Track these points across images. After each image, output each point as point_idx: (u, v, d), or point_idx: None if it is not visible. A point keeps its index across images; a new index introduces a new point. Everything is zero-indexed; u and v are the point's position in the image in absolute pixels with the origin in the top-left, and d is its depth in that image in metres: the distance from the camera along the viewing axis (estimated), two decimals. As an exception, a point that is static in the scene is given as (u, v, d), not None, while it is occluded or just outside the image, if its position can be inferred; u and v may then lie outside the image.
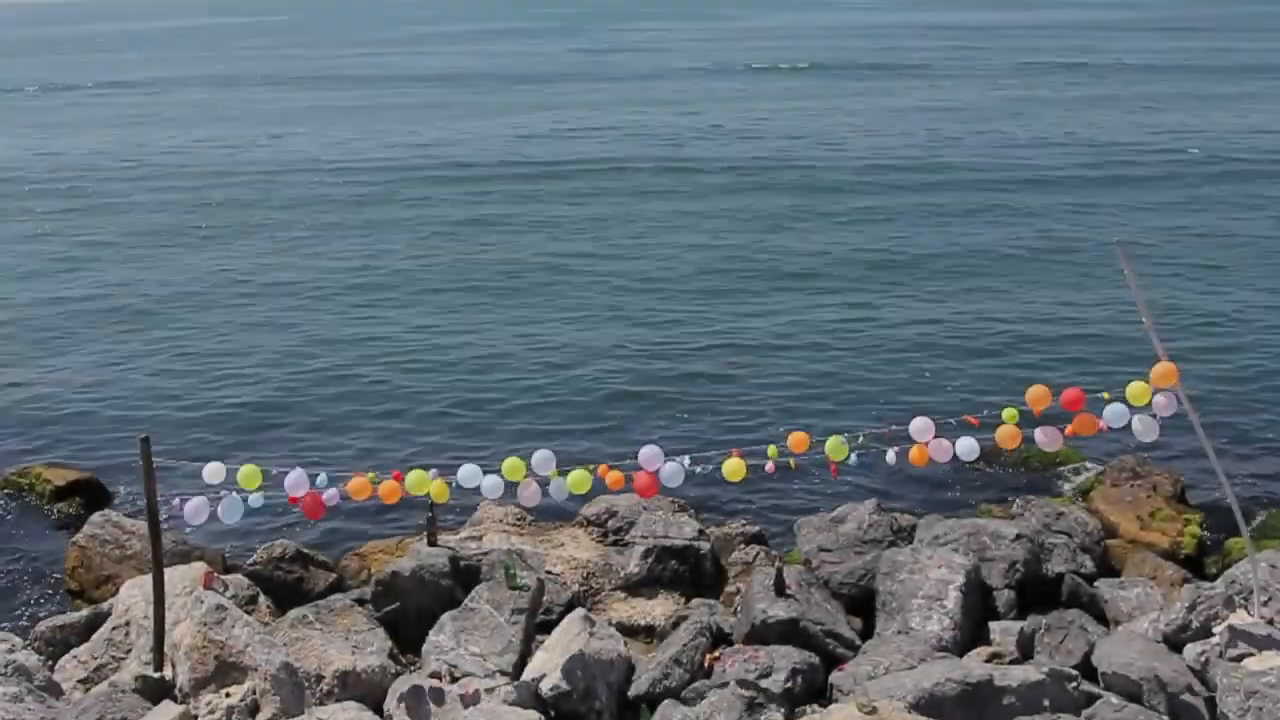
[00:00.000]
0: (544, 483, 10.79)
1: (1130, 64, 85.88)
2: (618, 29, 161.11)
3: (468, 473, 10.76)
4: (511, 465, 10.71)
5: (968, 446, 10.80)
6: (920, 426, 10.80)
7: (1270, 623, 10.82)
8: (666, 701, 10.99)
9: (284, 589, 14.04)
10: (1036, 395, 10.59)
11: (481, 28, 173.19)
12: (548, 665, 11.40)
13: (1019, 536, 13.70)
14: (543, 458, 10.77)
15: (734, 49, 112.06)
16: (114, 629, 12.29)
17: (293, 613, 12.55)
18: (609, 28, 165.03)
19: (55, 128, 59.15)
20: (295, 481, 10.82)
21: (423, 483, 10.80)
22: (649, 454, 10.84)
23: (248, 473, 10.73)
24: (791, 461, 11.05)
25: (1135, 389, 10.37)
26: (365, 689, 11.39)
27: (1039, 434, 10.59)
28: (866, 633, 12.62)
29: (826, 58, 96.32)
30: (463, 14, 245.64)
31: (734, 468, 10.77)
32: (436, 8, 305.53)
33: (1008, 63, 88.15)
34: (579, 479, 10.79)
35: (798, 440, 10.74)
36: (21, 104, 71.63)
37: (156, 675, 11.23)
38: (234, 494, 10.78)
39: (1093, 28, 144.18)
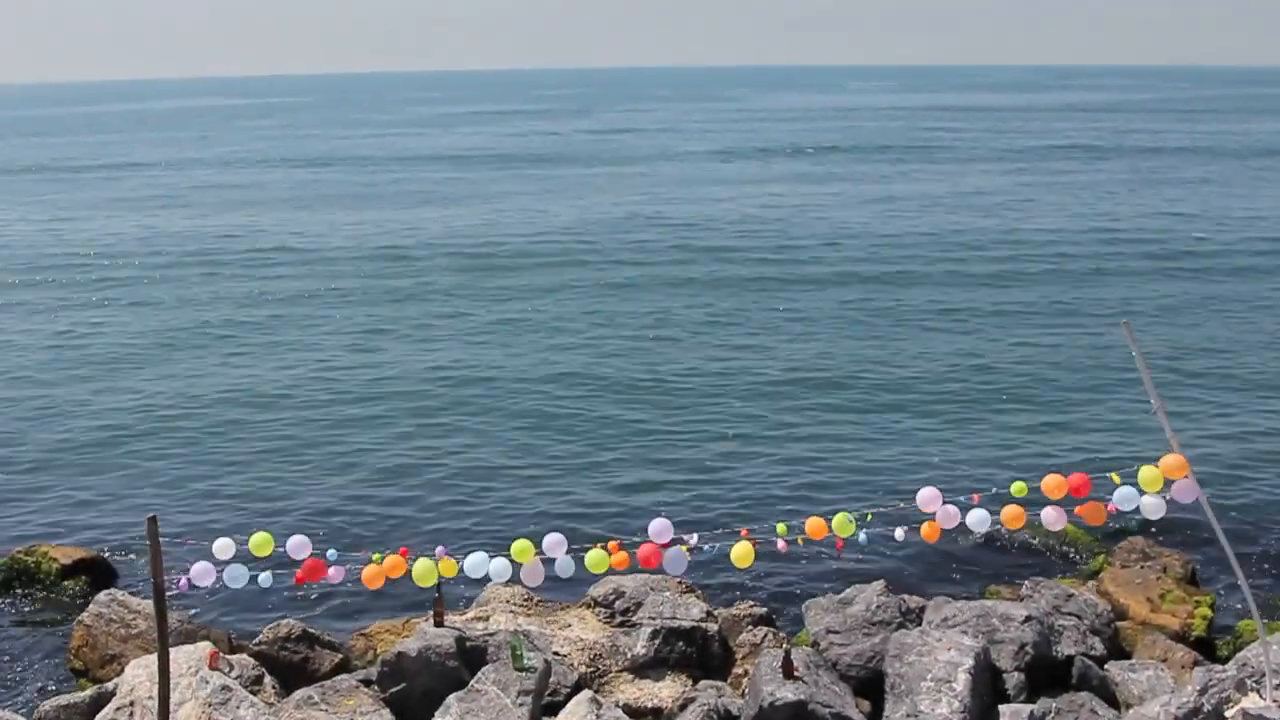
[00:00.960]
0: (553, 562, 10.78)
1: (1137, 147, 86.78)
2: (629, 110, 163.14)
3: (475, 561, 10.75)
4: (520, 547, 10.69)
5: (978, 518, 10.79)
6: (927, 496, 10.81)
7: (1282, 706, 10.72)
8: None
9: (290, 669, 13.95)
10: (1052, 485, 10.59)
11: (494, 109, 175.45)
12: (554, 748, 11.30)
13: (1029, 619, 13.61)
14: (554, 540, 10.77)
15: (742, 131, 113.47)
16: (118, 709, 12.21)
17: (298, 693, 12.45)
18: (619, 109, 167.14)
19: (65, 208, 59.77)
20: (297, 544, 10.84)
21: (429, 573, 10.78)
22: (659, 526, 10.85)
23: (259, 540, 10.75)
24: (800, 538, 11.03)
25: (1146, 475, 10.37)
26: (370, 771, 11.28)
27: (1045, 513, 10.60)
28: (875, 716, 12.50)
29: (832, 140, 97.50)
30: (473, 97, 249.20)
31: (743, 553, 10.75)
32: (447, 89, 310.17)
33: (1012, 145, 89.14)
34: (597, 559, 10.75)
35: (814, 527, 10.75)
36: (32, 184, 72.40)
37: (160, 756, 11.13)
38: (241, 566, 10.80)
39: (1098, 110, 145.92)
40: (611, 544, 10.88)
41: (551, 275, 38.76)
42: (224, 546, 10.86)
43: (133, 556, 17.55)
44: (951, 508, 10.74)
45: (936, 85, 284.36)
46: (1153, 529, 16.77)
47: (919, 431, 22.75)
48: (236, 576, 10.77)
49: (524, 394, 25.55)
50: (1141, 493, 10.38)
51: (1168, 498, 10.35)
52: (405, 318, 33.16)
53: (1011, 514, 10.67)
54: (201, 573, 10.75)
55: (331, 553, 10.97)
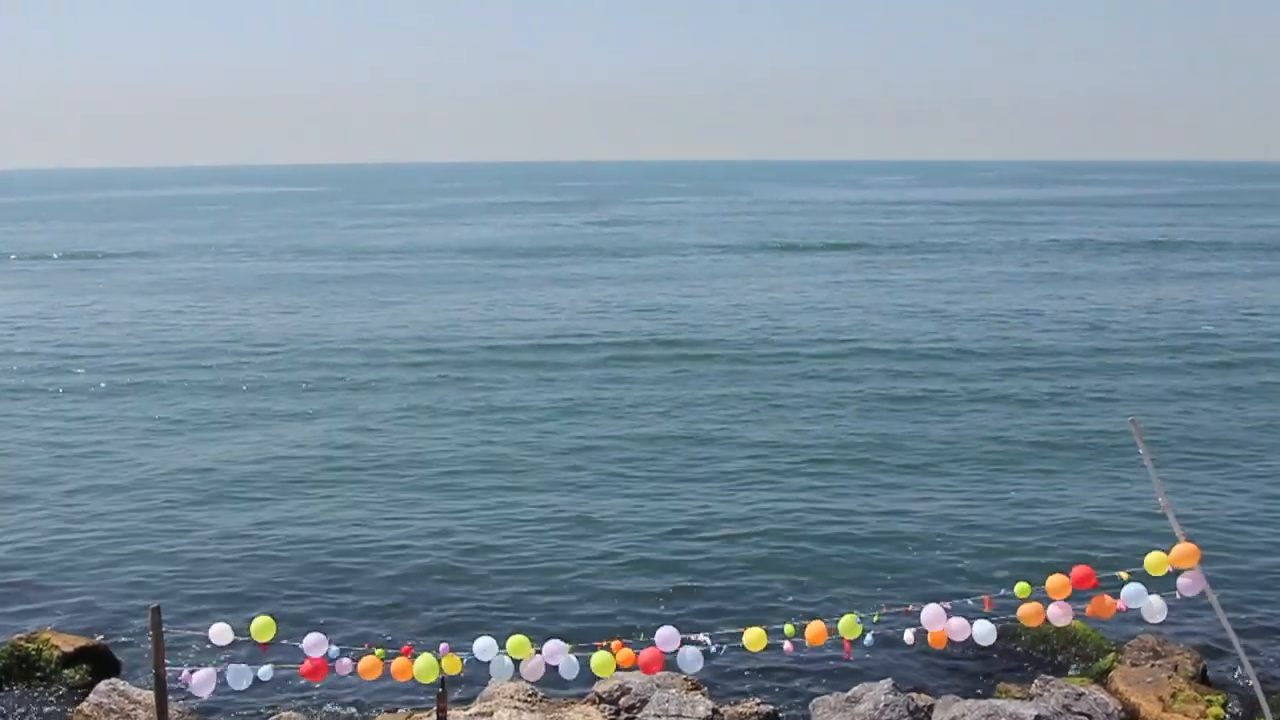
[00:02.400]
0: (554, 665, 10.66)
1: (1145, 240, 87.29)
2: (640, 203, 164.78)
3: (483, 645, 10.66)
4: (517, 643, 10.59)
5: (984, 630, 10.69)
6: (931, 615, 10.69)
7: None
8: None
9: (289, 763, 13.77)
10: (1057, 585, 10.52)
11: (506, 200, 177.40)
12: None
13: (1038, 718, 13.44)
14: (554, 646, 10.64)
15: (754, 225, 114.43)
16: (115, 803, 12.05)
17: (297, 788, 12.30)
18: (631, 201, 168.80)
19: (76, 295, 60.24)
20: (314, 643, 10.77)
21: (431, 669, 10.68)
22: (666, 635, 10.74)
23: (261, 624, 10.68)
24: (807, 640, 10.94)
25: (1153, 559, 10.33)
26: None
27: (1052, 610, 10.51)
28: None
29: (845, 235, 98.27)
30: (485, 188, 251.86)
31: (755, 637, 10.66)
32: (459, 180, 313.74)
33: (1022, 239, 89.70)
34: (602, 662, 10.63)
35: (815, 633, 10.67)
36: (43, 272, 73.09)
37: None
38: (243, 665, 10.72)
39: (1107, 205, 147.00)
40: (615, 642, 10.78)
41: (555, 363, 38.91)
42: (221, 632, 10.78)
43: (135, 646, 17.42)
44: (959, 620, 10.64)
45: (951, 180, 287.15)
46: (1163, 627, 16.59)
47: (924, 521, 22.63)
48: (239, 676, 10.68)
49: (526, 486, 25.48)
50: (1151, 578, 10.30)
51: (1175, 596, 10.28)
52: (408, 405, 33.23)
53: (1029, 611, 10.55)
54: (202, 681, 10.65)
55: (334, 649, 10.89)
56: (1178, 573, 10.34)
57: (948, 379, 36.09)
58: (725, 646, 10.81)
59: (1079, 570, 10.41)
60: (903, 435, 29.29)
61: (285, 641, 10.86)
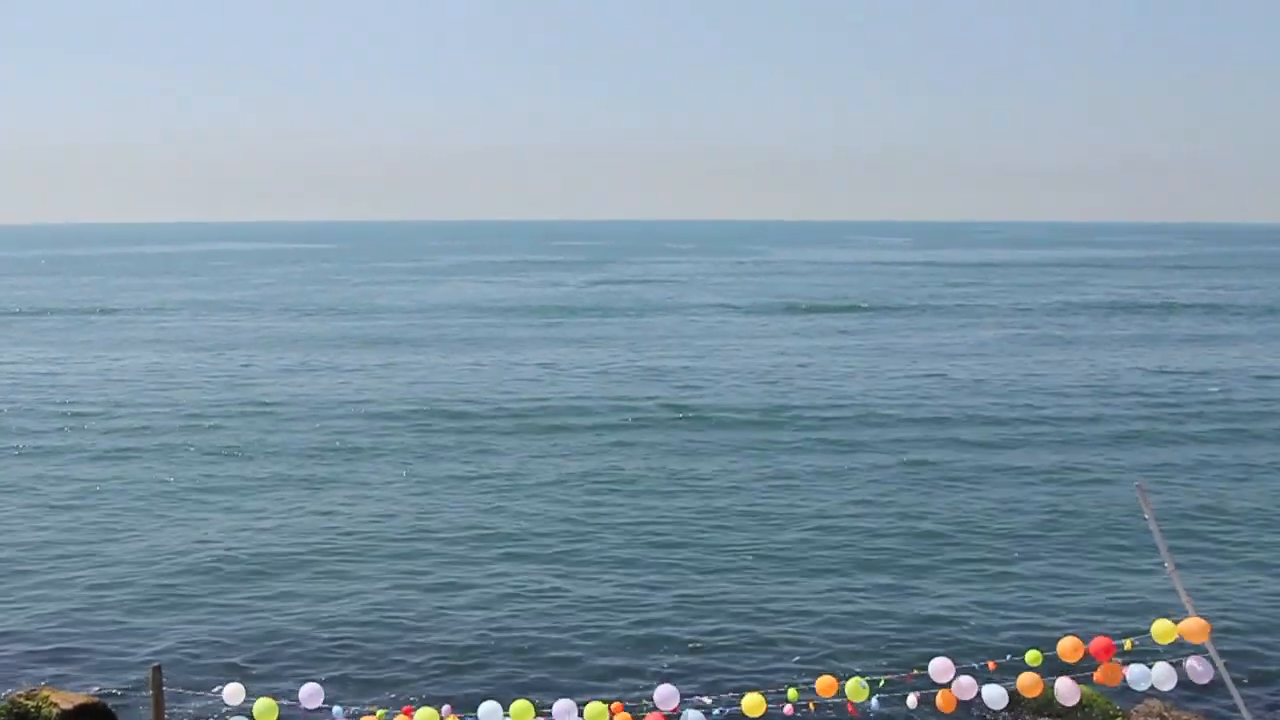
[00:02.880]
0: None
1: (1150, 303, 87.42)
2: (643, 262, 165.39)
3: (488, 709, 10.60)
4: (520, 708, 10.52)
5: (995, 694, 10.61)
6: (940, 668, 10.65)
7: None
8: None
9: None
10: (1068, 647, 10.46)
11: (510, 259, 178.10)
12: None
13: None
14: (563, 707, 10.58)
15: (755, 285, 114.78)
16: None
17: None
18: (629, 261, 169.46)
19: (82, 351, 60.34)
20: (309, 693, 10.71)
21: (433, 721, 10.62)
22: (664, 694, 10.69)
23: (264, 707, 10.64)
24: (811, 702, 10.87)
25: (1160, 628, 10.25)
26: None
27: (1059, 685, 10.42)
28: None
29: (844, 296, 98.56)
30: (490, 247, 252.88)
31: (753, 703, 10.60)
32: (464, 238, 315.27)
33: (1025, 302, 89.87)
34: (596, 712, 10.56)
35: (825, 685, 10.60)
36: (50, 327, 73.27)
37: None
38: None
39: (1110, 266, 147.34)
40: (615, 705, 10.71)
41: (559, 427, 38.81)
42: (234, 692, 10.79)
43: (135, 706, 17.29)
44: (966, 678, 10.57)
45: (950, 241, 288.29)
46: (1170, 692, 16.42)
47: (931, 589, 22.48)
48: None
49: (527, 554, 25.27)
50: (1157, 654, 10.22)
51: (1182, 663, 10.18)
52: (410, 472, 33.08)
53: (1028, 682, 10.49)
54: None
55: (337, 709, 10.85)
56: (1186, 645, 10.27)
57: (953, 446, 35.91)
58: (726, 709, 10.73)
59: (1099, 642, 10.32)
60: (907, 502, 29.12)
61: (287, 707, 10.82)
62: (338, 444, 36.20)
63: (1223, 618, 20.05)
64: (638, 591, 22.62)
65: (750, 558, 24.67)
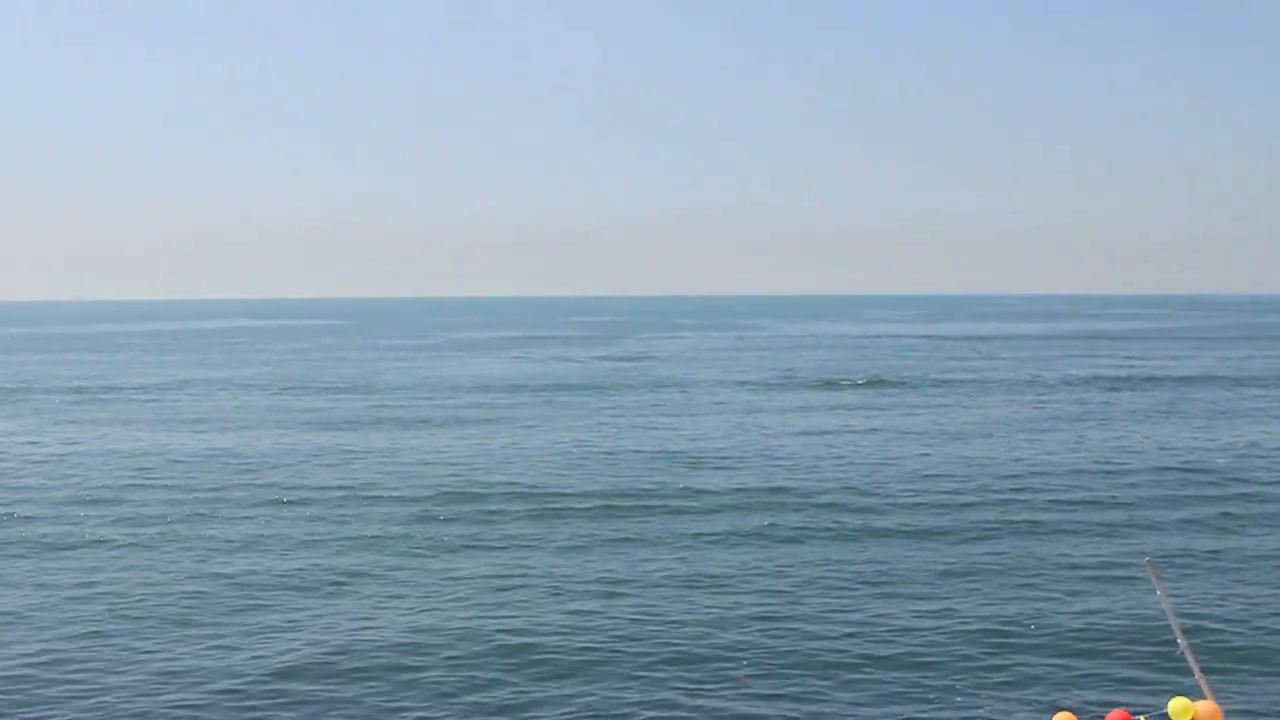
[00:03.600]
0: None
1: (1155, 376, 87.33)
2: (649, 338, 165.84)
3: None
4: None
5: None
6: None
7: None
8: None
9: None
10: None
11: (517, 334, 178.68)
12: None
13: None
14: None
15: (759, 361, 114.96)
16: None
17: None
18: (640, 336, 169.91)
19: (88, 430, 60.40)
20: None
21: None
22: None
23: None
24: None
25: (1177, 706, 10.18)
26: None
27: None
28: None
29: (851, 370, 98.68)
30: (498, 323, 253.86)
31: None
32: (472, 314, 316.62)
33: (1031, 376, 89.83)
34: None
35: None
36: (57, 406, 73.36)
37: None
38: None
39: (1114, 338, 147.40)
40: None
41: (566, 511, 38.57)
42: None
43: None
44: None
45: (955, 314, 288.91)
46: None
47: (937, 671, 22.31)
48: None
49: (526, 647, 24.69)
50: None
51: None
52: (413, 564, 32.71)
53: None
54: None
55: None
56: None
57: (962, 526, 35.70)
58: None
59: (1115, 715, 10.25)
60: (921, 591, 28.89)
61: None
62: (338, 530, 35.65)
63: (1230, 688, 19.86)
64: (639, 684, 22.38)
65: (757, 635, 24.46)
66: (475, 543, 34.16)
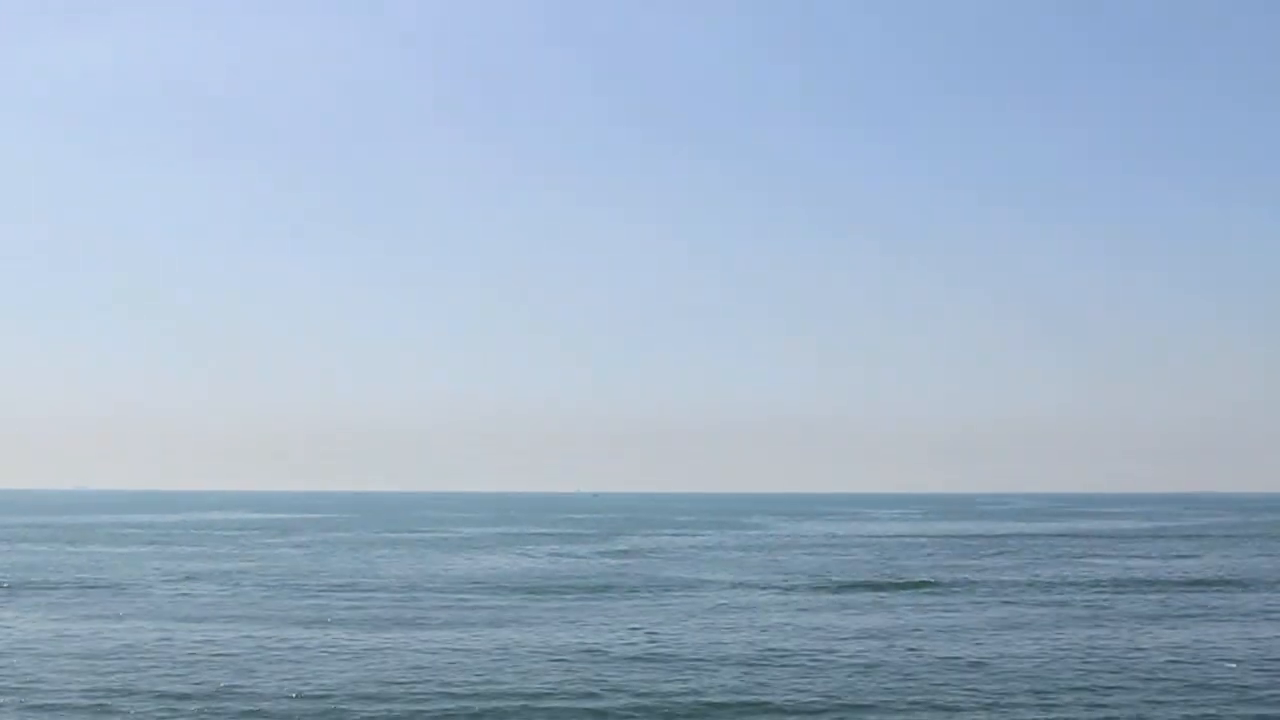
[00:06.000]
0: None
1: (1162, 578, 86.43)
2: (650, 534, 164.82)
3: None
4: None
5: None
6: None
7: None
8: None
9: None
10: None
11: (516, 530, 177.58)
12: None
13: None
14: None
15: (763, 561, 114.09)
16: None
17: None
18: (641, 533, 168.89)
19: (82, 624, 59.50)
20: None
21: None
22: None
23: None
24: None
25: None
26: None
27: None
28: None
29: (855, 572, 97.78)
30: (496, 519, 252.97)
31: None
32: (476, 510, 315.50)
33: (1038, 577, 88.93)
34: None
35: None
36: (53, 601, 72.42)
37: None
38: None
39: (1114, 538, 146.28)
40: None
41: None
42: None
43: None
44: None
45: (957, 514, 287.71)
46: None
47: None
48: None
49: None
50: None
51: None
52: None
53: None
54: None
55: None
56: None
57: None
58: None
59: None
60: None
61: None
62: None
63: None
64: None
65: None
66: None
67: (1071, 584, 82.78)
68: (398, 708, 38.38)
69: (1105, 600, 71.55)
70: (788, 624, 59.34)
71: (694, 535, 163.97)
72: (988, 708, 37.93)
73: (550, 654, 49.19)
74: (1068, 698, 39.60)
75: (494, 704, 39.21)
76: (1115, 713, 37.39)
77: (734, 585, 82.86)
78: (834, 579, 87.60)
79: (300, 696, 39.96)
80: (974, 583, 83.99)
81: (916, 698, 39.55)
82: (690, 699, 39.84)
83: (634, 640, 53.80)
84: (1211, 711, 37.51)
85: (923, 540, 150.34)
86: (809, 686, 41.67)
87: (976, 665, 46.12)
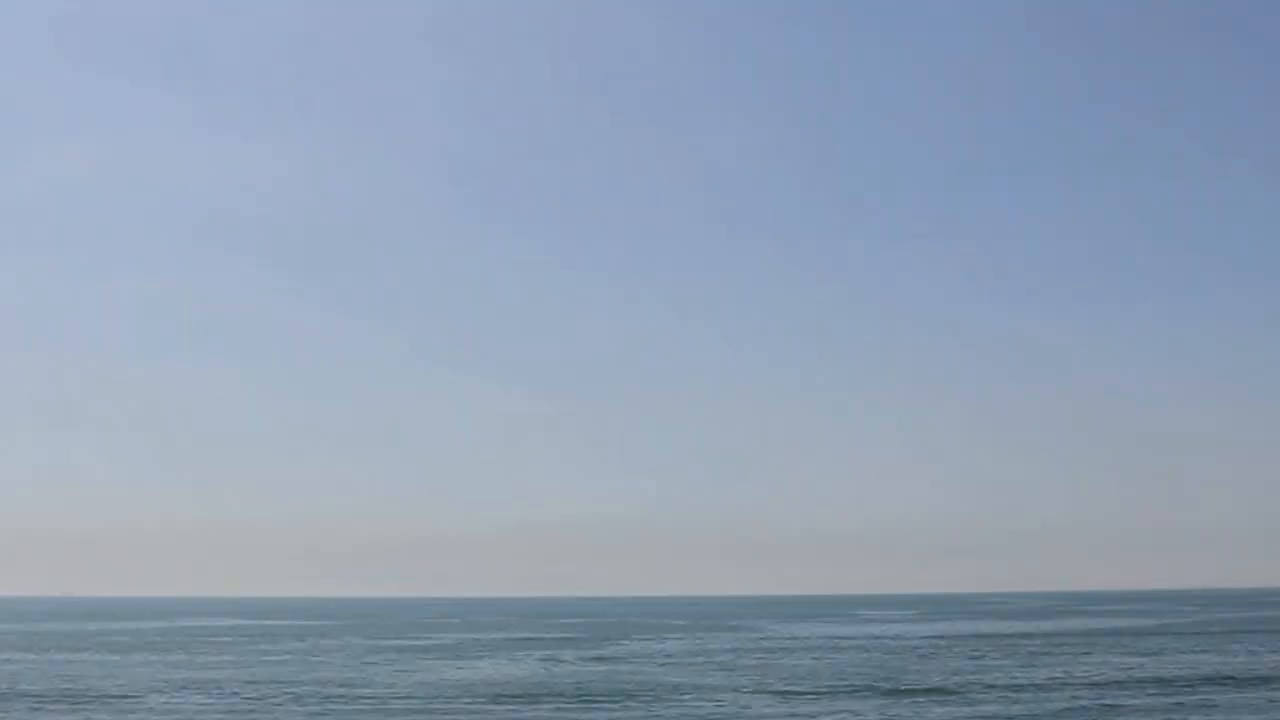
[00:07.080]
0: None
1: (1163, 677, 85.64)
2: (641, 639, 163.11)
3: None
4: None
5: None
6: None
7: None
8: None
9: None
10: None
11: (505, 636, 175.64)
12: None
13: None
14: None
15: (757, 663, 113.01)
16: None
17: None
18: (633, 639, 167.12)
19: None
20: None
21: None
22: None
23: None
24: None
25: None
26: None
27: None
28: None
29: (848, 676, 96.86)
30: (485, 624, 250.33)
31: None
32: (464, 616, 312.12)
33: (1036, 678, 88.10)
34: None
35: None
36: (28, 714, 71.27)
37: None
38: None
39: (1116, 635, 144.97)
40: None
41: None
42: None
43: None
44: None
45: (954, 614, 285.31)
46: None
47: None
48: None
49: None
50: None
51: None
52: None
53: None
54: None
55: None
56: None
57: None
58: None
59: None
60: None
61: None
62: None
63: None
64: None
65: None
66: None
67: (1071, 685, 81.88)
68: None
69: (1108, 699, 70.75)
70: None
71: (682, 639, 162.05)
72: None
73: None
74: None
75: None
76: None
77: (723, 691, 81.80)
78: (827, 685, 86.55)
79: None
80: (972, 684, 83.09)
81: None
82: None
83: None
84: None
85: (917, 640, 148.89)
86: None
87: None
